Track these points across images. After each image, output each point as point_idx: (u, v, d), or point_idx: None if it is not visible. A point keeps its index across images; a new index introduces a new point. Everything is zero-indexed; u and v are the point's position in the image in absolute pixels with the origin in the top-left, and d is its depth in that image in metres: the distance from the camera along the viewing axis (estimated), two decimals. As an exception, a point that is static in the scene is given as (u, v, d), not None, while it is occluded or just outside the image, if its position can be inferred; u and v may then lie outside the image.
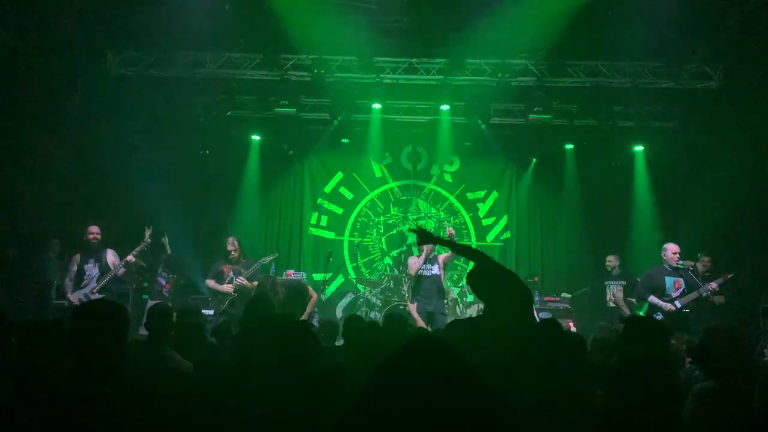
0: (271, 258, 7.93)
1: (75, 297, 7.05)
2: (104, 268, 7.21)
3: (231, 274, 7.56)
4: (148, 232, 7.42)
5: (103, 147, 8.76)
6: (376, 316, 8.63)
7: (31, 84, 7.73)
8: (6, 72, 7.62)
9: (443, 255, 7.47)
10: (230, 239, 7.77)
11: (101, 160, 8.66)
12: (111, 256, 7.32)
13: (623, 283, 8.16)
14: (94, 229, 7.28)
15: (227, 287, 7.49)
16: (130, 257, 7.26)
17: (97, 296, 7.07)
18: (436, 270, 7.25)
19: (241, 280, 7.50)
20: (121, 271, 7.25)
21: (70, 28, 7.79)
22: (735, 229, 8.48)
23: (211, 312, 7.46)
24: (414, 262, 7.32)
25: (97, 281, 7.13)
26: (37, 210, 8.31)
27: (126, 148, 8.95)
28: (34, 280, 8.03)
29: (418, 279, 7.23)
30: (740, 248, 7.88)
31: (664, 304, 6.93)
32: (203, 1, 7.63)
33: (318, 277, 10.42)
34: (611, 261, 8.35)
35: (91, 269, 7.18)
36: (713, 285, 7.08)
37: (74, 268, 7.18)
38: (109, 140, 8.90)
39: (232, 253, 7.65)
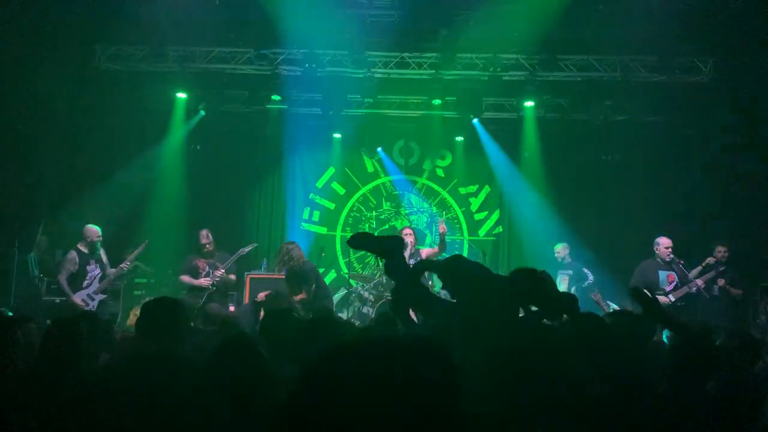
0: (250, 248, 7.73)
1: (78, 298, 6.97)
2: (104, 268, 7.21)
3: (207, 268, 7.34)
4: (144, 245, 7.35)
5: (91, 142, 8.69)
6: (368, 311, 8.61)
7: (18, 80, 7.63)
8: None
9: (426, 250, 7.47)
10: (204, 232, 7.49)
11: (88, 155, 8.59)
12: (104, 256, 7.31)
13: (570, 273, 8.29)
14: (96, 230, 7.17)
15: (204, 281, 7.25)
16: (126, 263, 7.23)
17: (101, 296, 7.12)
18: None
19: (221, 272, 7.35)
20: (118, 271, 7.25)
21: (57, 22, 7.70)
22: (727, 221, 8.53)
23: None
24: None
25: (99, 281, 7.14)
26: (25, 204, 8.23)
27: (114, 143, 8.87)
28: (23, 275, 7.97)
29: None
30: (734, 239, 7.88)
31: (659, 298, 6.97)
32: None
33: (310, 272, 10.39)
34: (560, 251, 8.51)
35: (94, 270, 7.14)
36: (700, 282, 7.14)
37: (71, 268, 7.06)
38: (97, 135, 8.83)
39: (207, 246, 7.40)
